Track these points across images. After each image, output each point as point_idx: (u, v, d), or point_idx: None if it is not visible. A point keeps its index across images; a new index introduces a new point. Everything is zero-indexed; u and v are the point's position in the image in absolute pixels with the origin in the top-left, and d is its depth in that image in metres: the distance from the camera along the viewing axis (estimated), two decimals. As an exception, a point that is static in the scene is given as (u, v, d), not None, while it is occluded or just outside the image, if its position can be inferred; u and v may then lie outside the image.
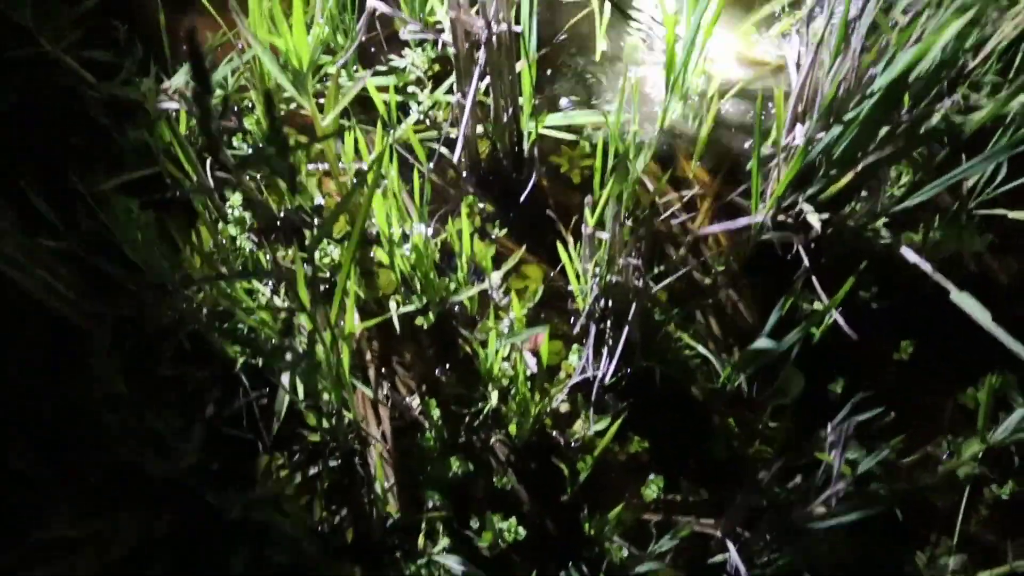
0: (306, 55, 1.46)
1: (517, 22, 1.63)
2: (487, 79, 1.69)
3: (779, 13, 2.16)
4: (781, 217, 1.77)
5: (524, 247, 1.85)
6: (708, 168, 2.00)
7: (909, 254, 1.54)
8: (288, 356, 1.42)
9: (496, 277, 1.50)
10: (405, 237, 1.65)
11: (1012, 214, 1.78)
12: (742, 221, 1.75)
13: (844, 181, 1.58)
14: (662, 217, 1.90)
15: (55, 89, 1.94)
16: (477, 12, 1.55)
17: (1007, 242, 1.89)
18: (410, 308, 1.75)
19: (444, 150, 1.96)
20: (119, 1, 2.03)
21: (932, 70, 1.36)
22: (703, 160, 2.00)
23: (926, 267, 1.51)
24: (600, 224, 1.53)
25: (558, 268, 1.81)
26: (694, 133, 2.02)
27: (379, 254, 1.66)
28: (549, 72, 2.14)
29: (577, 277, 1.66)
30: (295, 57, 1.46)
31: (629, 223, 1.44)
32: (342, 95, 1.53)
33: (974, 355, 1.69)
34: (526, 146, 1.89)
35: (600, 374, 1.63)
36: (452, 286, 1.74)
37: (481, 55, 1.56)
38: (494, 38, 1.52)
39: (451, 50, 1.61)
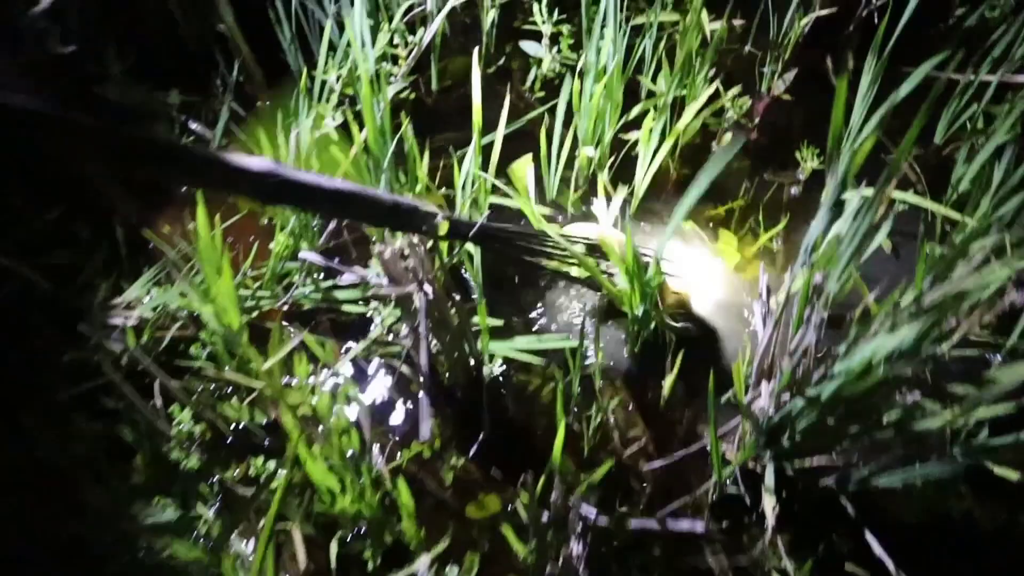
0: (235, 318, 1.41)
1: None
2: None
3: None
4: (751, 464, 1.68)
5: (486, 473, 1.77)
6: (683, 394, 1.89)
7: (875, 545, 1.43)
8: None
9: (425, 560, 1.41)
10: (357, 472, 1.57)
11: (997, 470, 1.67)
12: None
13: (808, 451, 1.49)
14: (628, 453, 1.80)
15: (7, 290, 1.89)
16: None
17: (995, 492, 1.76)
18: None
19: (405, 368, 1.88)
20: (84, 207, 2.00)
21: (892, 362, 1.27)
22: (677, 387, 1.89)
23: (889, 563, 1.40)
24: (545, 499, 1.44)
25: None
26: (668, 356, 1.92)
27: (319, 505, 1.58)
28: (515, 281, 2.08)
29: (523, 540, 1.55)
30: (225, 319, 1.41)
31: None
32: (284, 341, 1.47)
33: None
34: (486, 372, 1.82)
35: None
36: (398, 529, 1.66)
37: (420, 309, 1.50)
38: (429, 297, 1.46)
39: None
